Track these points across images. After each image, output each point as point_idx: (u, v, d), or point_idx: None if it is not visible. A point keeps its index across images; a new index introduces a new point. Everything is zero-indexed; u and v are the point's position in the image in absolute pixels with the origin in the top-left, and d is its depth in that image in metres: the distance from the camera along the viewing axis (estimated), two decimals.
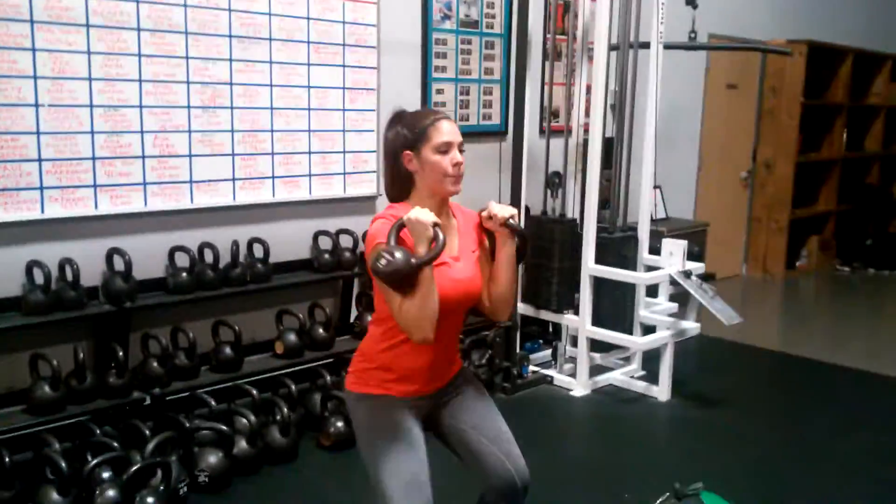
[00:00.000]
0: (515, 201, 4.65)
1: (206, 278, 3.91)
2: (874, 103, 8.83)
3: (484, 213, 2.28)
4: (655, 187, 5.65)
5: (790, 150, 7.66)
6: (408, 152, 2.21)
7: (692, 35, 5.36)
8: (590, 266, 4.43)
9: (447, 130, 2.19)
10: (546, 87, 5.02)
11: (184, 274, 3.84)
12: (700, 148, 7.23)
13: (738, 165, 7.75)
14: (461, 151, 2.21)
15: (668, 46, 4.77)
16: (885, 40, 8.89)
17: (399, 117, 2.29)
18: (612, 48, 4.63)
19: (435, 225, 2.06)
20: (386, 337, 2.25)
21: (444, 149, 2.17)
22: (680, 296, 4.84)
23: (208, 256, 3.98)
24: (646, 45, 4.67)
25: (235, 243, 4.06)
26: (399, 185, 2.27)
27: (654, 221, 5.03)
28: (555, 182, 4.91)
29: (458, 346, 2.35)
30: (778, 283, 7.77)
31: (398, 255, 1.98)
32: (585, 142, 4.66)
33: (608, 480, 3.65)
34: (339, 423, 3.74)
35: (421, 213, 2.06)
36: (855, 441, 4.11)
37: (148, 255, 3.81)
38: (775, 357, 5.51)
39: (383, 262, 1.98)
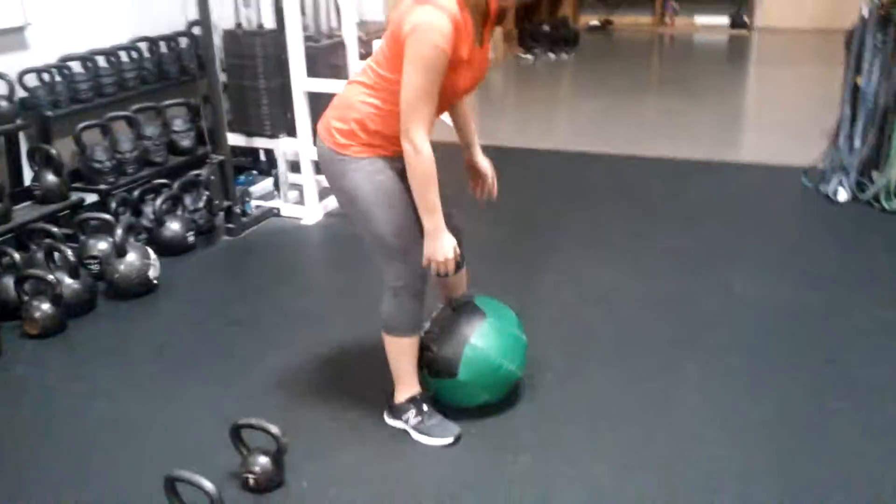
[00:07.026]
0: (202, 10, 3.89)
1: None
2: None
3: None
4: None
5: None
6: None
7: None
8: (302, 81, 3.96)
9: None
10: None
11: None
12: None
13: None
14: None
15: None
16: None
17: None
18: None
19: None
20: (379, 98, 2.19)
21: None
22: None
23: None
24: None
25: None
26: None
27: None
28: None
29: None
30: None
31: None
32: None
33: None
34: (45, 306, 3.10)
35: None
36: (579, 214, 4.33)
37: None
38: (502, 151, 5.49)
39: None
